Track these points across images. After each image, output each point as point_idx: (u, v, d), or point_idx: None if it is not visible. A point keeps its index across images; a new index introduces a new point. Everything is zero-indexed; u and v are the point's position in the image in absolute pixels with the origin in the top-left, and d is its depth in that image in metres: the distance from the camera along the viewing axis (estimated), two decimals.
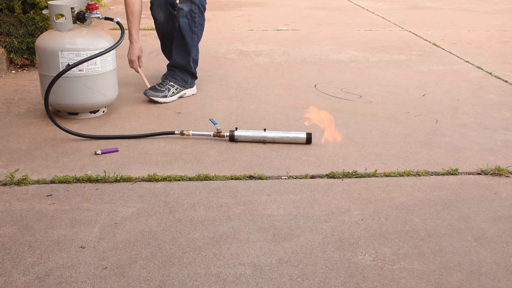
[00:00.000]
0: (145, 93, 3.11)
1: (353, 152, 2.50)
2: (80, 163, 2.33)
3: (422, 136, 2.70)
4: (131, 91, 3.33)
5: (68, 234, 1.80)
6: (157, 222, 1.88)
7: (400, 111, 3.08)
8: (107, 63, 2.78)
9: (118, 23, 2.74)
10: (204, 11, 3.17)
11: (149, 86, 3.19)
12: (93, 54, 2.61)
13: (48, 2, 2.76)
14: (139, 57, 3.14)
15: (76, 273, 1.60)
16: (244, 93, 3.36)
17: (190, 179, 2.21)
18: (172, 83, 3.16)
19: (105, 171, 2.23)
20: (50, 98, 2.56)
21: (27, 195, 2.05)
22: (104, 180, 2.18)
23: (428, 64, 4.16)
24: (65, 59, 2.66)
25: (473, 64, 4.16)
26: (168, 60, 3.49)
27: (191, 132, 2.61)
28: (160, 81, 3.23)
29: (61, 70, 2.62)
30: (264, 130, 2.59)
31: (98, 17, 2.74)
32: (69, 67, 2.53)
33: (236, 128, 2.61)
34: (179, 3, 3.08)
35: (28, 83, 3.49)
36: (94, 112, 2.88)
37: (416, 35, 5.31)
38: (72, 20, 2.71)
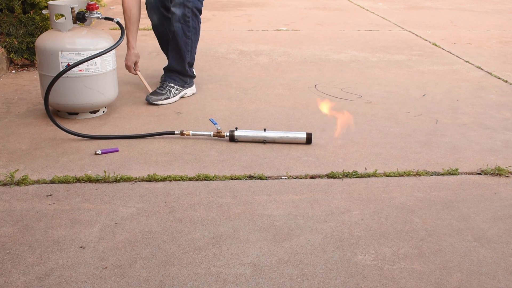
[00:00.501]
0: (147, 99, 3.10)
1: (353, 152, 2.50)
2: (80, 163, 2.33)
3: (422, 136, 2.70)
4: (131, 91, 3.33)
5: (68, 234, 1.80)
6: (157, 222, 1.88)
7: (400, 111, 3.08)
8: (107, 63, 2.78)
9: (118, 23, 2.74)
10: (200, 13, 3.13)
11: (150, 90, 3.20)
12: (93, 54, 2.61)
13: (48, 2, 2.76)
14: (135, 63, 3.15)
15: (76, 273, 1.60)
16: (244, 93, 3.36)
17: (190, 179, 2.21)
18: (172, 84, 3.16)
19: (105, 171, 2.23)
20: (50, 98, 2.56)
21: (27, 195, 2.05)
22: (104, 180, 2.18)
23: (428, 64, 4.16)
24: (65, 59, 2.66)
25: (473, 64, 4.16)
26: (168, 58, 3.50)
27: (191, 132, 2.61)
28: (160, 84, 3.23)
29: (61, 70, 2.62)
30: (264, 130, 2.59)
31: (98, 17, 2.74)
32: (69, 67, 2.53)
33: (236, 128, 2.61)
34: (172, 6, 3.06)
35: (28, 83, 3.49)
36: (94, 112, 2.88)
37: (416, 35, 5.31)
38: (72, 20, 2.71)
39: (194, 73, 3.34)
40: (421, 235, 1.84)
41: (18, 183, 2.14)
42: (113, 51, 2.78)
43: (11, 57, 3.77)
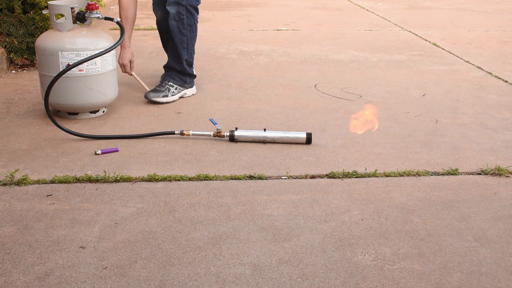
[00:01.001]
0: (146, 96, 3.11)
1: (353, 152, 2.50)
2: (80, 163, 2.33)
3: (422, 136, 2.70)
4: (131, 91, 3.33)
5: (68, 234, 1.80)
6: (157, 222, 1.88)
7: (400, 111, 3.08)
8: (107, 63, 2.78)
9: (118, 23, 2.75)
10: (196, 11, 3.13)
11: (148, 89, 3.20)
12: (93, 54, 2.61)
13: (48, 2, 2.76)
14: (130, 62, 3.13)
15: (76, 273, 1.60)
16: (244, 93, 3.36)
17: (190, 179, 2.21)
18: (171, 83, 3.16)
19: (105, 171, 2.23)
20: (50, 98, 2.56)
21: (27, 195, 2.05)
22: (104, 180, 2.18)
23: (428, 64, 4.16)
24: (65, 59, 2.66)
25: (473, 64, 4.16)
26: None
27: (191, 132, 2.61)
28: (159, 82, 3.23)
29: (61, 70, 2.62)
30: (264, 130, 2.59)
31: (98, 17, 2.74)
32: (69, 67, 2.53)
33: (236, 128, 2.61)
34: (167, 6, 3.07)
35: (28, 83, 3.49)
36: (94, 112, 2.88)
37: (416, 35, 5.31)
38: (72, 20, 2.71)
39: (194, 73, 3.34)
40: (421, 235, 1.84)
41: (18, 183, 2.14)
42: (113, 51, 2.78)
43: (11, 57, 3.77)
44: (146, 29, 5.29)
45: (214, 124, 2.61)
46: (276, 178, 2.24)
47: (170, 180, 2.19)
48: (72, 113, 2.84)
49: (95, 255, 1.69)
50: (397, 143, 2.61)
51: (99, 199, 2.04)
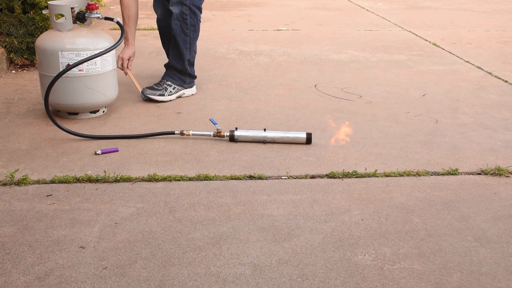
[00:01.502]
0: (142, 92, 3.12)
1: (353, 152, 2.50)
2: (80, 163, 2.33)
3: (422, 136, 2.70)
4: (131, 91, 3.33)
5: (68, 234, 1.80)
6: (157, 222, 1.88)
7: (400, 111, 3.08)
8: (107, 63, 2.78)
9: (118, 23, 2.74)
10: (199, 10, 3.14)
11: (140, 89, 3.20)
12: (93, 54, 2.61)
13: (48, 2, 2.76)
14: (129, 59, 3.13)
15: (76, 273, 1.60)
16: (244, 93, 3.36)
17: (190, 179, 2.21)
18: (170, 83, 3.17)
19: (105, 171, 2.23)
20: (50, 98, 2.56)
21: (27, 195, 2.05)
22: (104, 180, 2.18)
23: (428, 64, 4.16)
24: (65, 59, 2.66)
25: (473, 64, 4.16)
26: (167, 56, 3.51)
27: (191, 132, 2.61)
28: (159, 81, 3.23)
29: (61, 70, 2.62)
30: (264, 130, 2.59)
31: (98, 17, 2.74)
32: (69, 67, 2.53)
33: (236, 128, 2.61)
34: (170, 6, 3.08)
35: (28, 83, 3.49)
36: (94, 112, 2.88)
37: (416, 35, 5.31)
38: (72, 20, 2.71)
39: (195, 73, 3.34)
40: (421, 235, 1.84)
41: (18, 183, 2.14)
42: (113, 51, 2.78)
43: (11, 57, 3.77)
44: (146, 29, 5.29)
45: (214, 124, 2.61)
46: (276, 178, 2.24)
47: (170, 180, 2.19)
48: (72, 113, 2.84)
49: (95, 255, 1.69)
50: (397, 143, 2.61)
51: (99, 199, 2.04)
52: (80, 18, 2.73)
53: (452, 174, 2.29)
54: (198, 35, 3.22)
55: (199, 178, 2.21)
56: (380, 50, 4.63)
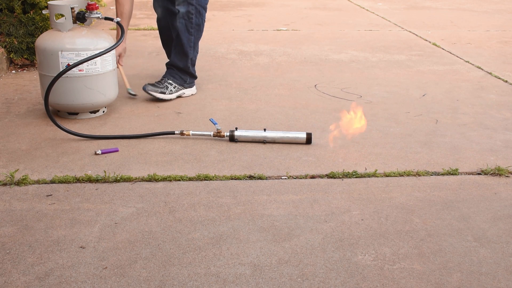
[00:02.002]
0: (144, 88, 3.12)
1: (353, 152, 2.50)
2: (80, 163, 2.33)
3: (422, 136, 2.70)
4: None
5: (68, 234, 1.80)
6: (157, 222, 1.88)
7: (400, 111, 3.08)
8: (107, 63, 2.78)
9: (118, 23, 2.74)
10: (205, 10, 3.16)
11: (128, 85, 3.23)
12: (93, 54, 2.61)
13: (48, 2, 2.76)
14: (120, 55, 3.17)
15: (76, 273, 1.60)
16: (244, 93, 3.36)
17: (190, 179, 2.21)
18: (171, 81, 3.17)
19: (105, 171, 2.23)
20: (50, 98, 2.56)
21: (27, 195, 2.05)
22: (104, 180, 2.18)
23: (428, 64, 4.16)
24: (65, 59, 2.66)
25: (473, 64, 4.16)
26: (168, 56, 3.51)
27: (191, 132, 2.61)
28: (160, 79, 3.23)
29: (61, 70, 2.62)
30: (264, 130, 2.59)
31: (98, 17, 2.74)
32: (69, 67, 2.53)
33: (236, 128, 2.61)
34: (177, 5, 3.08)
35: (28, 83, 3.49)
36: (94, 112, 2.88)
37: (416, 35, 5.31)
38: (72, 20, 2.71)
39: (196, 73, 3.34)
40: (421, 235, 1.84)
41: (18, 183, 2.14)
42: (113, 51, 2.78)
43: (11, 57, 3.77)
44: (146, 29, 5.29)
45: (214, 124, 2.61)
46: (276, 178, 2.24)
47: (170, 180, 2.19)
48: (72, 113, 2.84)
49: (95, 255, 1.69)
50: (397, 143, 2.61)
51: (99, 199, 2.04)
52: (80, 18, 2.73)
53: (452, 174, 2.29)
54: (201, 35, 3.22)
55: (199, 178, 2.21)
56: (380, 50, 4.63)
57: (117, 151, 2.45)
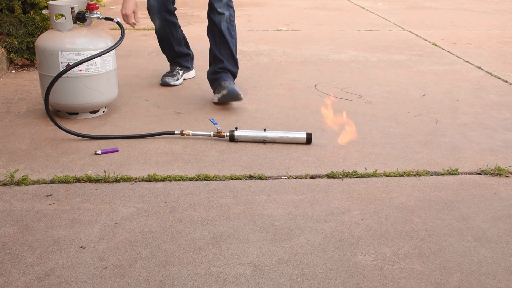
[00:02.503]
0: (231, 90, 2.94)
1: (353, 152, 2.50)
2: (80, 163, 2.33)
3: (422, 136, 2.70)
4: (131, 91, 3.33)
5: (68, 234, 1.80)
6: (157, 222, 1.88)
7: (400, 111, 3.08)
8: (107, 63, 2.78)
9: (118, 23, 2.74)
10: None
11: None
12: (93, 54, 2.61)
13: (48, 2, 2.76)
14: (134, 12, 2.96)
15: (76, 273, 1.60)
16: (244, 93, 3.36)
17: (190, 179, 2.21)
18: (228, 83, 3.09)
19: (105, 171, 2.23)
20: (50, 98, 2.56)
21: (27, 195, 2.05)
22: (104, 180, 2.18)
23: (428, 64, 4.16)
24: (65, 59, 2.66)
25: (473, 64, 4.16)
26: (169, 60, 3.54)
27: (191, 132, 2.61)
28: (221, 83, 3.06)
29: (61, 70, 2.62)
30: (264, 130, 2.59)
31: (98, 17, 2.74)
32: (69, 67, 2.53)
33: (236, 128, 2.61)
34: (219, 8, 3.03)
35: (28, 83, 3.49)
36: (94, 112, 2.88)
37: (416, 35, 5.31)
38: (72, 20, 2.71)
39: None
40: (421, 235, 1.84)
41: (18, 183, 2.14)
42: (113, 51, 2.78)
43: (11, 57, 3.78)
44: (146, 29, 5.28)
45: (214, 124, 2.61)
46: (276, 178, 2.24)
47: (170, 180, 2.20)
48: (72, 113, 2.84)
49: (95, 255, 1.69)
50: (397, 143, 2.61)
51: (99, 199, 2.04)
52: (80, 18, 2.73)
53: (452, 174, 2.29)
54: None
55: (199, 178, 2.21)
56: (380, 50, 4.63)
57: (117, 151, 2.45)
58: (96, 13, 2.74)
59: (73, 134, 2.57)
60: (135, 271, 1.61)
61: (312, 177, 2.26)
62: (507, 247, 1.78)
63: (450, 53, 4.55)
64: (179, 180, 2.20)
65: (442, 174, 2.30)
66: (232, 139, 2.59)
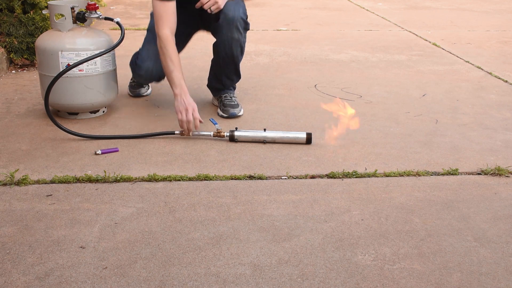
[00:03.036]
0: (232, 115, 2.89)
1: (353, 152, 2.50)
2: (80, 163, 2.33)
3: (422, 136, 2.70)
4: None
5: (68, 234, 1.80)
6: (157, 222, 1.88)
7: (400, 111, 3.08)
8: (107, 63, 2.78)
9: (118, 23, 2.74)
10: None
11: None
12: (93, 54, 2.61)
13: (48, 2, 2.76)
14: (193, 111, 2.52)
15: (76, 273, 1.60)
16: (244, 93, 3.36)
17: (190, 179, 2.21)
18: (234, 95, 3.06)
19: (105, 171, 2.23)
20: (50, 98, 2.56)
21: (27, 195, 2.05)
22: (104, 180, 2.18)
23: (428, 64, 4.16)
24: (65, 59, 2.66)
25: (473, 64, 4.16)
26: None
27: (191, 132, 2.61)
28: (230, 97, 2.99)
29: (61, 70, 2.62)
30: (264, 130, 2.59)
31: (98, 17, 2.74)
32: (69, 67, 2.53)
33: (236, 128, 2.61)
34: (235, 30, 2.77)
35: (28, 83, 3.49)
36: (94, 112, 2.88)
37: (416, 35, 5.31)
38: (72, 20, 2.71)
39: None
40: (421, 235, 1.84)
41: (18, 183, 2.14)
42: (113, 51, 2.78)
43: (11, 57, 3.78)
44: (146, 29, 5.27)
45: (214, 124, 2.61)
46: (276, 178, 2.24)
47: (170, 180, 2.20)
48: (72, 113, 2.84)
49: (95, 255, 1.69)
50: (397, 143, 2.61)
51: (99, 199, 2.04)
52: (80, 18, 2.73)
53: (452, 174, 2.29)
54: None
55: (199, 178, 2.21)
56: (380, 50, 4.63)
57: (117, 151, 2.45)
58: (96, 13, 2.74)
59: (73, 134, 2.57)
60: (135, 271, 1.61)
61: (312, 177, 2.26)
62: (507, 247, 1.78)
63: (450, 53, 4.55)
64: (179, 180, 2.20)
65: (442, 174, 2.30)
66: (232, 139, 2.59)
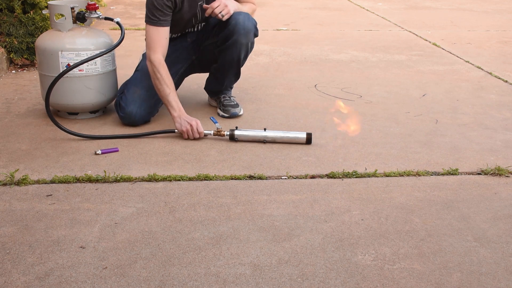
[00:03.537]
0: (233, 113, 2.89)
1: (353, 152, 2.50)
2: (80, 163, 2.33)
3: (422, 136, 2.70)
4: None
5: (68, 234, 1.80)
6: (157, 222, 1.88)
7: (400, 111, 3.08)
8: (107, 63, 2.78)
9: (118, 23, 2.74)
10: None
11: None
12: (93, 54, 2.61)
13: (48, 2, 2.76)
14: (193, 126, 2.56)
15: (76, 273, 1.60)
16: (244, 93, 3.36)
17: (190, 179, 2.21)
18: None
19: (105, 171, 2.23)
20: (50, 98, 2.56)
21: (27, 195, 2.05)
22: (104, 180, 2.18)
23: (428, 64, 4.16)
24: (65, 59, 2.66)
25: (473, 64, 4.16)
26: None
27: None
28: (228, 98, 2.99)
29: (61, 70, 2.63)
30: (264, 129, 2.59)
31: (98, 17, 2.74)
32: (70, 67, 2.53)
33: (236, 127, 2.61)
34: (244, 33, 2.79)
35: (28, 83, 3.50)
36: (94, 112, 2.88)
37: (416, 35, 5.31)
38: (72, 20, 2.71)
39: None
40: (421, 235, 1.84)
41: (18, 183, 2.14)
42: (113, 51, 2.78)
43: (11, 57, 3.78)
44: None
45: (215, 122, 2.61)
46: (276, 178, 2.24)
47: (170, 180, 2.20)
48: (72, 113, 2.84)
49: (95, 255, 1.69)
50: (397, 143, 2.61)
51: (99, 199, 2.04)
52: (80, 18, 2.73)
53: (452, 174, 2.29)
54: None
55: (199, 178, 2.21)
56: (380, 50, 4.63)
57: (117, 151, 2.45)
58: (96, 13, 2.74)
59: (73, 134, 2.57)
60: (135, 271, 1.61)
61: (312, 177, 2.26)
62: (507, 247, 1.78)
63: (450, 53, 4.55)
64: (179, 180, 2.20)
65: (442, 174, 2.30)
66: (232, 138, 2.59)
